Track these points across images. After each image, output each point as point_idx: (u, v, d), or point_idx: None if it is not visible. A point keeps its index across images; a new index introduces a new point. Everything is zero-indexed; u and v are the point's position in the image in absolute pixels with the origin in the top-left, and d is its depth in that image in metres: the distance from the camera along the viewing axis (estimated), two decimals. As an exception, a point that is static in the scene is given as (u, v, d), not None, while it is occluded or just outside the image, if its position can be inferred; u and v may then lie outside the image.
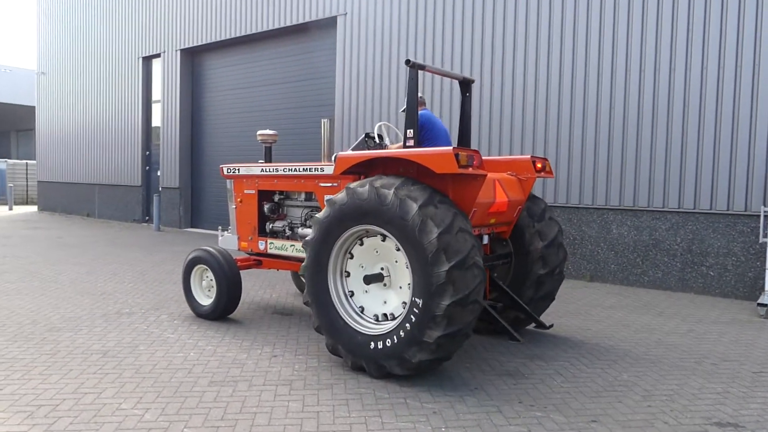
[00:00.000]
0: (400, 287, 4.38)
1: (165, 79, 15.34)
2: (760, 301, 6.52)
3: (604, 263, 8.43)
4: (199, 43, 14.38)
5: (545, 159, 5.32)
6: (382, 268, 4.46)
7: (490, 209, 4.74)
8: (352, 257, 4.59)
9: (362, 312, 4.56)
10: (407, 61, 4.64)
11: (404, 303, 4.30)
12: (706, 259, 7.61)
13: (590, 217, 8.49)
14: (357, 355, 4.38)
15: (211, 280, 5.91)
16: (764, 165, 7.17)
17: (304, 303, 4.73)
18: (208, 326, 5.72)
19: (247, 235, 6.33)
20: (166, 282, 7.95)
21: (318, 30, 12.09)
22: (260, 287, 7.71)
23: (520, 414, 3.77)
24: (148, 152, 16.32)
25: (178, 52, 14.92)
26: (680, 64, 7.68)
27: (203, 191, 15.10)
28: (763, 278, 7.20)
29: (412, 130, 4.64)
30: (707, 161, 7.54)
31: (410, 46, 10.37)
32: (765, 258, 7.14)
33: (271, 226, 6.22)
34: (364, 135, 5.66)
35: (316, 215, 4.57)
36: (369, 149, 5.54)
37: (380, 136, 5.74)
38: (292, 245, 5.88)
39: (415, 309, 4.04)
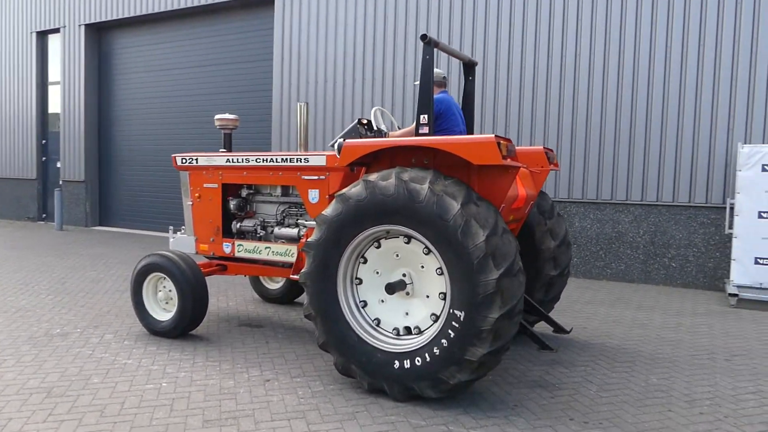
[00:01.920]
0: (427, 296, 3.80)
1: (65, 57, 13.49)
2: (729, 291, 6.65)
3: (567, 256, 8.33)
4: (108, 18, 12.75)
5: (552, 150, 4.96)
6: (404, 275, 3.86)
7: (513, 205, 4.29)
8: (365, 262, 3.95)
9: (378, 325, 3.94)
10: (423, 36, 4.04)
11: (434, 315, 3.73)
12: (668, 251, 7.72)
13: (552, 210, 8.35)
14: (376, 375, 3.77)
15: (170, 290, 4.99)
16: (724, 159, 7.36)
17: (305, 316, 4.02)
18: (170, 346, 4.81)
19: (208, 237, 5.45)
20: (94, 292, 6.78)
21: (252, 8, 11.08)
22: (210, 294, 6.76)
23: (579, 434, 3.36)
24: (44, 141, 14.32)
25: (82, 28, 13.15)
26: (644, 60, 7.69)
27: (113, 185, 13.49)
28: (723, 268, 7.41)
29: (426, 116, 4.05)
30: (670, 155, 7.62)
31: (358, 26, 9.72)
32: (726, 249, 7.34)
33: (238, 226, 5.38)
34: (356, 121, 4.99)
35: (324, 212, 3.88)
36: (362, 137, 4.89)
37: (370, 123, 5.11)
38: (267, 247, 5.10)
39: (454, 323, 3.49)
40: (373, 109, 5.12)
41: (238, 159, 5.21)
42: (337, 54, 9.95)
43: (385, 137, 4.94)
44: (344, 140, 4.37)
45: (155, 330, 5.03)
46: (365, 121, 5.03)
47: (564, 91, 8.17)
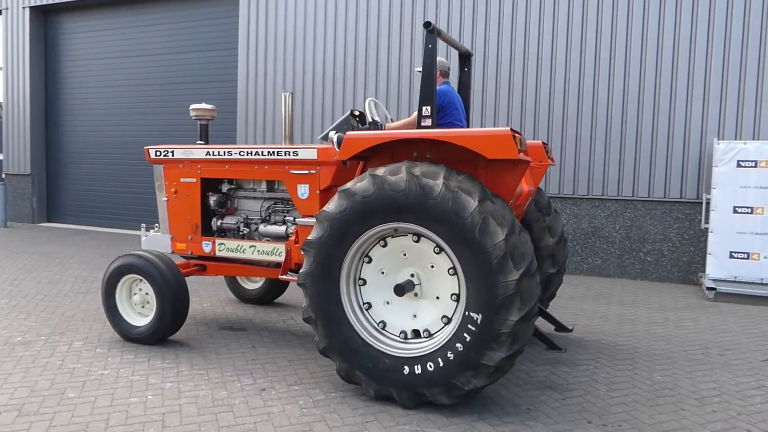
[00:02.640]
0: (437, 297, 3.60)
1: (8, 41, 12.53)
2: (707, 285, 6.76)
3: (544, 252, 8.32)
4: (55, 1, 11.93)
5: (547, 143, 4.85)
6: (412, 275, 3.65)
7: (517, 201, 4.15)
8: (370, 261, 3.72)
9: (384, 328, 3.72)
10: (427, 24, 3.81)
11: (445, 317, 3.55)
12: (644, 246, 7.81)
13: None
14: (384, 382, 3.55)
15: (147, 293, 4.61)
16: (698, 155, 7.49)
17: (304, 319, 3.76)
18: (148, 353, 4.44)
19: (186, 235, 5.07)
20: (53, 295, 6.26)
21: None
22: (183, 295, 6.36)
23: (600, 438, 3.25)
24: (-16, 131, 13.31)
25: (26, 10, 12.25)
26: (620, 58, 7.74)
27: (63, 178, 12.68)
28: (697, 262, 7.56)
29: (428, 107, 3.84)
30: (645, 151, 7.71)
31: (329, 12, 9.41)
32: (700, 243, 7.49)
33: (219, 223, 5.03)
34: (348, 113, 4.74)
35: (326, 209, 3.62)
36: (354, 129, 4.64)
37: (362, 114, 4.86)
38: (252, 246, 4.77)
39: (470, 326, 3.30)
40: (367, 100, 4.87)
41: (219, 152, 4.86)
42: (307, 43, 9.61)
43: (380, 129, 4.70)
44: (336, 132, 4.19)
45: (130, 336, 4.63)
46: (357, 113, 4.79)
47: (540, 87, 8.14)
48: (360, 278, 3.75)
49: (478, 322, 3.28)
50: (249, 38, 10.07)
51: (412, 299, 3.67)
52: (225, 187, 5.05)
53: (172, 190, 5.10)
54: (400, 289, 3.58)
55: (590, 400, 3.77)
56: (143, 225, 5.40)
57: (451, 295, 3.52)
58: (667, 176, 7.63)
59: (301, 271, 3.72)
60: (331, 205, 3.61)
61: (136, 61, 11.55)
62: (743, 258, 6.82)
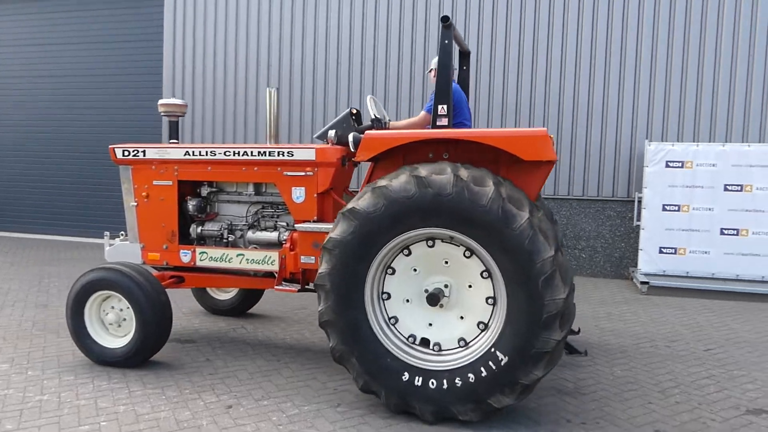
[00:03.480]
0: (462, 317, 3.47)
1: None
2: (640, 279, 7.14)
3: (485, 250, 8.47)
4: (-54, -21, 10.67)
5: None
6: (445, 285, 3.48)
7: None
8: (408, 254, 3.50)
9: (393, 324, 3.53)
10: (445, 18, 3.60)
11: (463, 340, 3.44)
12: (579, 242, 8.13)
13: (471, 205, 8.43)
14: (378, 380, 3.39)
15: (122, 311, 4.12)
16: (628, 155, 7.89)
17: (315, 285, 3.48)
18: (90, 373, 4.01)
19: (160, 243, 4.60)
20: (-38, 310, 5.54)
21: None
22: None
23: (583, 437, 3.28)
24: None
25: None
26: (555, 65, 8.00)
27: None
28: (628, 258, 7.97)
29: (445, 106, 3.65)
30: (580, 152, 8.02)
31: (262, 3, 9.05)
32: (630, 239, 7.90)
33: (199, 230, 4.61)
34: (347, 111, 4.50)
35: (389, 186, 3.28)
36: (355, 129, 4.42)
37: (359, 113, 4.65)
38: (239, 255, 4.36)
39: (491, 363, 3.22)
40: (368, 97, 4.66)
41: (200, 152, 4.45)
42: (239, 32, 9.19)
43: (385, 127, 4.50)
44: (336, 132, 4.07)
45: (105, 360, 4.13)
46: (355, 111, 4.59)
47: (480, 86, 8.26)
48: (390, 267, 3.52)
49: (502, 363, 3.20)
50: (176, 27, 9.48)
51: (435, 308, 3.49)
52: (205, 191, 4.63)
53: (143, 194, 4.62)
54: (433, 299, 3.41)
55: (564, 398, 3.82)
56: (107, 233, 4.81)
57: (479, 322, 3.41)
58: (600, 176, 7.99)
59: (332, 234, 3.41)
60: (395, 185, 3.29)
61: (52, 50, 10.57)
62: (671, 253, 7.26)
